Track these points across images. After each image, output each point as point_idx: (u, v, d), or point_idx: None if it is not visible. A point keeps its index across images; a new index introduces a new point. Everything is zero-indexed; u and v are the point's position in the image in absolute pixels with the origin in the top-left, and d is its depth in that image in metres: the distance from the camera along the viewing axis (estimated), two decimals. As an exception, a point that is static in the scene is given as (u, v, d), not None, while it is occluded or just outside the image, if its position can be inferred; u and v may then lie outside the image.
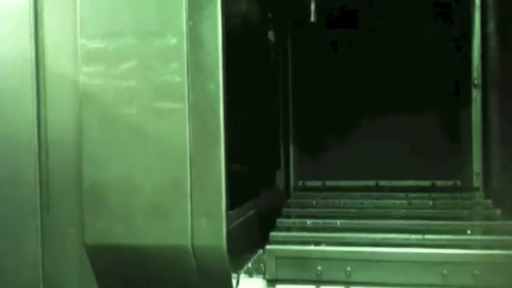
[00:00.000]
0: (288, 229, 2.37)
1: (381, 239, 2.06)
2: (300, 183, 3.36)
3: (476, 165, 3.11)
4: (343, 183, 3.24)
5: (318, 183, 3.30)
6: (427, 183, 3.17)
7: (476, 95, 3.14)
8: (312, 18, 2.74)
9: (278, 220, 2.50)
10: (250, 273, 2.06)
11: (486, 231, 2.32)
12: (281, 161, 3.29)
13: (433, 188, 3.13)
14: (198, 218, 1.92)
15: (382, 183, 3.21)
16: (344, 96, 3.29)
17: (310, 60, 3.33)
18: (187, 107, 1.93)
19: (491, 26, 2.97)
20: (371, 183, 3.23)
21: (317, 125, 3.34)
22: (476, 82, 3.13)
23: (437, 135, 3.21)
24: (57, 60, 2.11)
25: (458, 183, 3.16)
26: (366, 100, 3.26)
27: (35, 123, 2.08)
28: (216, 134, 1.92)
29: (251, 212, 2.41)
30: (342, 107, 3.30)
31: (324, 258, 1.95)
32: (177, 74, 1.93)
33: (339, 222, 2.40)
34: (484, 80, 3.11)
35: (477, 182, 3.09)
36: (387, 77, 3.23)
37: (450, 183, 3.17)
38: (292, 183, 3.38)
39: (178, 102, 1.93)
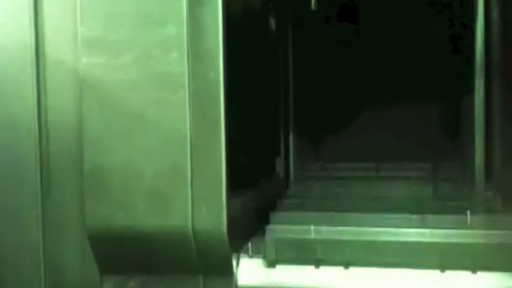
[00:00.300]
0: (288, 211, 2.41)
1: (381, 219, 2.10)
2: (300, 169, 3.34)
3: (479, 153, 2.98)
4: (344, 167, 3.20)
5: (318, 169, 3.28)
6: (428, 171, 3.13)
7: (479, 82, 3.15)
8: (313, 7, 2.78)
9: (278, 201, 2.53)
10: (250, 255, 2.12)
11: (487, 217, 2.33)
12: (281, 148, 3.30)
13: (434, 177, 3.09)
14: (199, 203, 1.98)
15: (383, 173, 3.16)
16: (346, 84, 3.27)
17: (311, 47, 3.31)
18: (187, 96, 1.99)
19: (495, 12, 2.98)
20: (371, 173, 3.18)
21: (318, 111, 3.32)
22: (479, 69, 3.15)
23: (439, 123, 3.21)
24: (57, 46, 2.16)
25: (460, 172, 3.10)
26: (367, 87, 3.23)
27: (35, 108, 2.14)
28: (217, 122, 1.97)
29: (252, 197, 2.46)
30: (343, 95, 3.27)
31: (323, 239, 2.00)
32: (178, 63, 1.98)
33: (339, 205, 2.44)
34: (488, 67, 3.12)
35: (479, 171, 3.01)
36: (388, 63, 3.21)
37: (452, 171, 3.12)
38: (292, 170, 3.34)
39: (179, 91, 1.99)
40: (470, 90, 3.03)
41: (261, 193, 2.65)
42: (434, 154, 3.13)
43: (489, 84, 3.04)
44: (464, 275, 1.89)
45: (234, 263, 2.07)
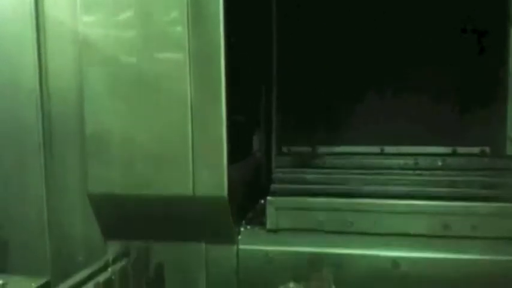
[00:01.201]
0: (288, 182, 2.55)
1: (383, 191, 2.29)
2: (285, 149, 2.95)
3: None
4: (340, 149, 2.87)
5: (308, 149, 2.92)
6: (446, 150, 2.78)
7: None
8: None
9: (276, 171, 2.67)
10: (251, 224, 2.34)
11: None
12: (261, 122, 3.07)
13: (454, 156, 2.77)
14: (200, 168, 2.17)
15: (389, 149, 2.83)
16: (342, 43, 2.89)
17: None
18: (187, 57, 2.14)
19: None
20: (375, 149, 2.85)
21: (309, 80, 2.93)
22: None
23: (461, 89, 2.81)
24: (56, 5, 2.32)
25: (487, 150, 2.77)
26: (370, 46, 2.84)
27: (36, 69, 2.31)
28: (217, 84, 2.13)
29: (251, 164, 2.65)
30: (339, 57, 2.89)
31: (324, 209, 2.20)
32: (178, 23, 2.13)
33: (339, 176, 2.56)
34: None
35: (512, 148, 2.69)
36: (394, 15, 2.82)
37: (476, 150, 2.76)
38: (274, 150, 2.98)
39: (179, 52, 2.14)
40: (502, 43, 2.73)
41: (253, 165, 2.81)
42: (455, 123, 2.82)
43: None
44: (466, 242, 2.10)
45: (236, 232, 2.27)
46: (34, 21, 2.31)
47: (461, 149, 2.79)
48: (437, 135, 2.80)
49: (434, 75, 2.81)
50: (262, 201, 2.30)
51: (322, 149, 2.89)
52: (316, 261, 2.17)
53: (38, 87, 2.33)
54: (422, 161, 2.71)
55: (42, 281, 2.05)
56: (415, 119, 2.81)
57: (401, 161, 2.73)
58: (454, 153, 2.79)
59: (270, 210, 2.27)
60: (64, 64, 2.33)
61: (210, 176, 2.18)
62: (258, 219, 2.35)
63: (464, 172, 2.54)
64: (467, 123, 2.80)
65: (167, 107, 2.19)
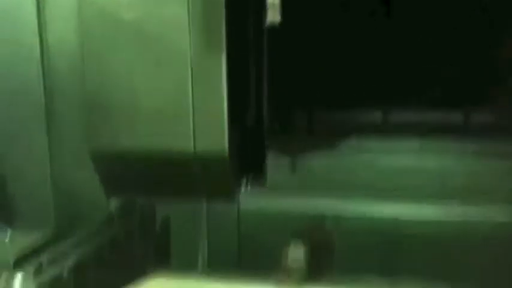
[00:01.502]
0: (286, 142, 2.53)
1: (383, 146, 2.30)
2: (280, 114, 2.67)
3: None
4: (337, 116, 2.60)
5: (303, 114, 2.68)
6: (457, 119, 2.51)
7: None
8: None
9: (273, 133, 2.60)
10: (252, 183, 2.35)
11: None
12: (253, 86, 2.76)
13: (465, 128, 2.50)
14: (200, 123, 2.19)
15: (392, 118, 2.54)
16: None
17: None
18: (187, 11, 2.14)
19: None
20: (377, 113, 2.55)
21: (303, 42, 2.71)
22: None
23: (474, 53, 2.56)
24: None
25: (503, 121, 2.49)
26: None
27: (36, 25, 2.34)
28: (218, 39, 2.13)
29: (250, 122, 2.66)
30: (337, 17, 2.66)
31: (325, 167, 2.23)
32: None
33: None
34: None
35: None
36: None
37: (489, 121, 2.50)
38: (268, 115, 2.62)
39: (179, 6, 2.14)
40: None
41: (252, 126, 2.80)
42: (467, 91, 2.56)
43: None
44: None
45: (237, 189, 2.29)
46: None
47: (474, 119, 2.52)
48: (449, 104, 2.55)
49: (448, 38, 2.57)
50: (263, 161, 2.31)
51: (319, 113, 2.64)
52: (317, 219, 2.20)
53: (38, 42, 2.35)
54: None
55: (47, 235, 2.11)
56: (426, 86, 2.57)
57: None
58: (465, 125, 2.52)
59: (270, 169, 2.28)
60: (63, 19, 2.34)
61: (211, 131, 2.20)
62: (259, 179, 2.37)
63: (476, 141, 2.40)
64: (481, 91, 2.56)
65: (167, 62, 2.20)
